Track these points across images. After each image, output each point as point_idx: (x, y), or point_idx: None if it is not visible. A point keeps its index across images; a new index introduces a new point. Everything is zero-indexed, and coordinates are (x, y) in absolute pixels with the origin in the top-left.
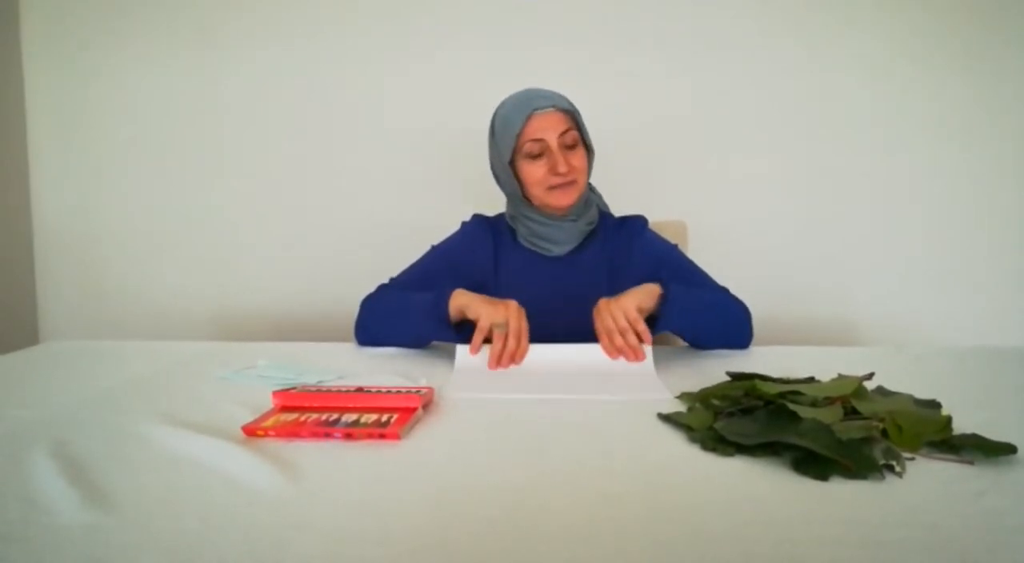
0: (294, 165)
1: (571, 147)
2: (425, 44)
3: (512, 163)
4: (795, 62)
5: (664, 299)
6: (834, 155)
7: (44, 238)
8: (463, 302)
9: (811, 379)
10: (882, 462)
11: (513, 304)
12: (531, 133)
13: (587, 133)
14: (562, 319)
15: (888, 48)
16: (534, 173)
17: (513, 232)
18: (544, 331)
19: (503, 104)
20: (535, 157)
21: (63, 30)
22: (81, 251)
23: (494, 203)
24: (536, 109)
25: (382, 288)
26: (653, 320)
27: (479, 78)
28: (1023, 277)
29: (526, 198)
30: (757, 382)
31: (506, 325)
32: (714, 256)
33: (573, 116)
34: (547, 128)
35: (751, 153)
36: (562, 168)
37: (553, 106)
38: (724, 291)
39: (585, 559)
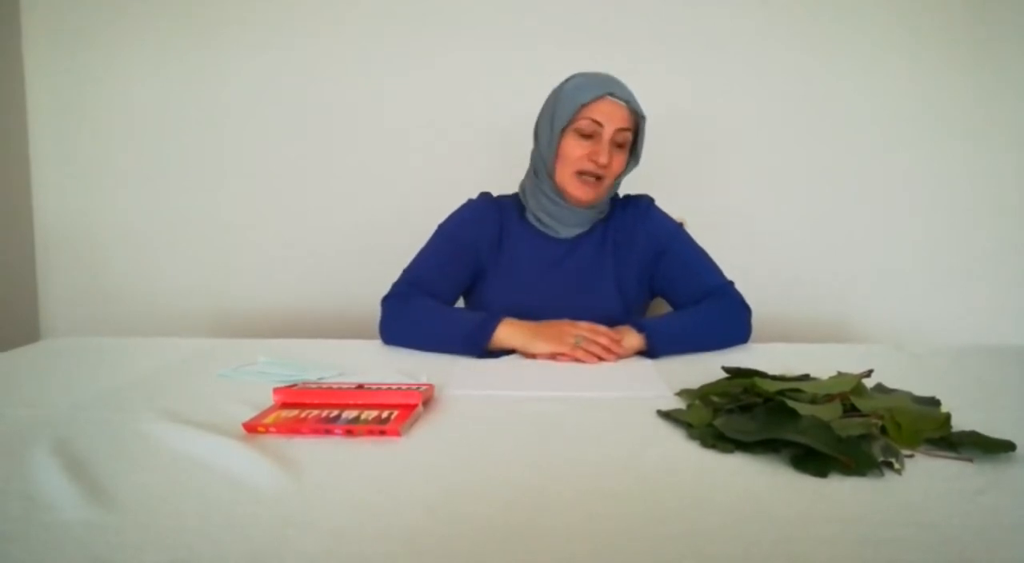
0: (294, 165)
1: (620, 146)
2: (425, 45)
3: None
4: (795, 61)
5: (646, 338)
6: (834, 154)
7: (45, 236)
8: (519, 344)
9: (809, 376)
10: (881, 459)
11: (564, 324)
12: (595, 112)
13: (642, 144)
14: (564, 300)
15: (888, 46)
16: (575, 150)
17: (522, 209)
18: (546, 311)
19: (580, 74)
20: (584, 136)
21: (64, 31)
22: (82, 249)
23: None
24: (612, 94)
25: (408, 291)
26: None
27: (479, 77)
28: (1022, 276)
29: (550, 174)
30: (756, 379)
31: (583, 338)
32: (714, 254)
33: (638, 121)
34: (612, 116)
35: (751, 151)
36: (603, 159)
37: (628, 102)
38: (723, 287)
39: (584, 556)
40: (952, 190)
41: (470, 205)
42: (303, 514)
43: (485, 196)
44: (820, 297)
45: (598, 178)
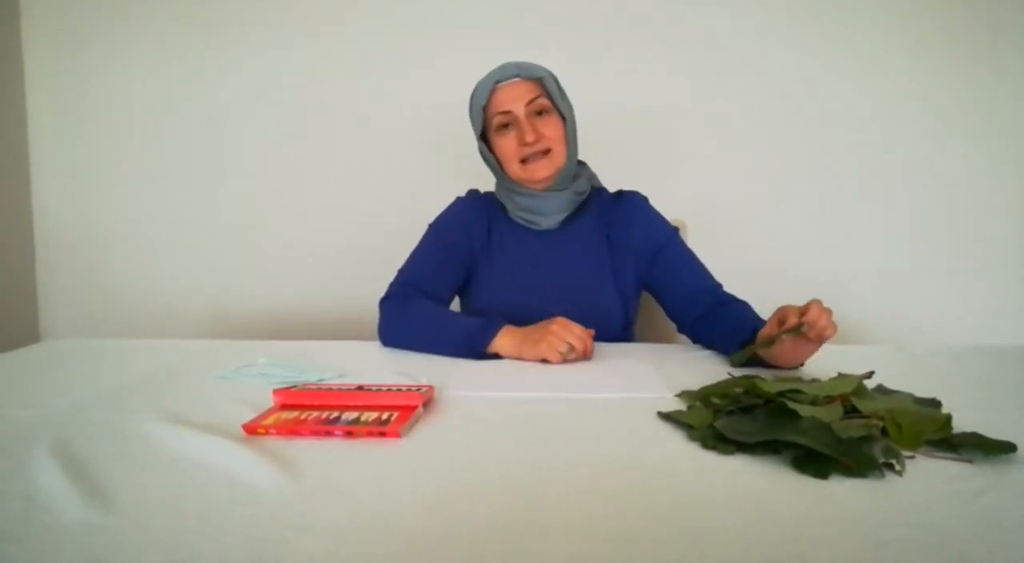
0: (294, 165)
1: (540, 113)
2: (425, 45)
3: (487, 139)
4: (795, 61)
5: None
6: (834, 154)
7: (45, 237)
8: (512, 353)
9: (805, 377)
10: (882, 460)
11: (555, 325)
12: (497, 105)
13: (560, 100)
14: (558, 293)
15: (888, 46)
16: (506, 147)
17: (504, 208)
18: (540, 307)
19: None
20: (505, 130)
21: (64, 30)
22: (82, 250)
23: None
24: (500, 81)
25: (405, 292)
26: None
27: (479, 77)
28: (1022, 276)
29: (506, 175)
30: (757, 380)
31: (571, 348)
32: (713, 254)
33: (543, 83)
34: (513, 98)
35: (751, 151)
36: (529, 137)
37: (517, 76)
38: (719, 288)
39: (584, 556)
40: (952, 190)
41: (459, 203)
42: (303, 515)
43: (473, 193)
44: (820, 297)
45: (544, 152)
